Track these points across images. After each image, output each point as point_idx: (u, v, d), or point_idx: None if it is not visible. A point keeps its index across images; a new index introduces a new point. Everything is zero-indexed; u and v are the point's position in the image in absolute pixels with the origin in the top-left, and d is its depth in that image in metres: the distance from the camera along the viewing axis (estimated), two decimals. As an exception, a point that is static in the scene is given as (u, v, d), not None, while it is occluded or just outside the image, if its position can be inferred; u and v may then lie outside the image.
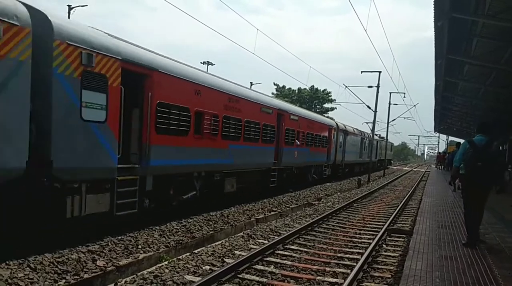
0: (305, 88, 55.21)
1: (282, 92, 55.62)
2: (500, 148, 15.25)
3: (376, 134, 39.22)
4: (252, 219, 11.33)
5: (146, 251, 7.38)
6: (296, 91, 56.47)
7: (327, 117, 34.67)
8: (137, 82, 8.60)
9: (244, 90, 14.30)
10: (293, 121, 17.89)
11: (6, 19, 5.71)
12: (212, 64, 42.32)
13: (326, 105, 58.23)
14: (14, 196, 6.12)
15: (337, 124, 26.34)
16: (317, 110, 53.15)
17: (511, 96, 17.89)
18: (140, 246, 7.57)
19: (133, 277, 6.12)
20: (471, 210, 7.10)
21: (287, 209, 13.71)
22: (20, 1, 6.19)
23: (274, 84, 57.05)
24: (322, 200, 16.61)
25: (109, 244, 7.45)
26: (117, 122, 7.90)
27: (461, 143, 8.02)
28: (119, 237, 7.86)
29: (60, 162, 6.67)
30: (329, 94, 57.54)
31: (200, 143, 10.74)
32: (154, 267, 6.70)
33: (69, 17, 12.60)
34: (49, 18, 6.58)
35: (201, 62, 41.93)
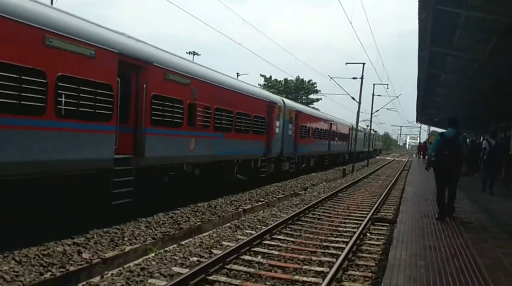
0: (291, 79, 55.30)
1: (269, 83, 55.53)
2: (483, 138, 15.61)
3: (373, 130, 48.88)
4: (239, 210, 11.37)
5: (133, 243, 7.34)
6: (283, 82, 56.45)
7: (313, 108, 35.99)
8: (296, 117, 20.66)
9: (337, 118, 31.49)
10: (336, 127, 30.00)
11: (279, 105, 17.93)
12: (198, 55, 41.92)
13: (311, 96, 58.44)
14: (274, 161, 18.11)
15: (352, 124, 36.23)
16: (303, 101, 53.28)
17: (492, 88, 18.23)
18: (126, 238, 7.52)
19: (120, 270, 6.11)
20: (445, 190, 8.48)
21: (274, 199, 13.80)
22: (281, 98, 19.62)
23: (261, 75, 56.90)
24: (308, 190, 16.76)
25: (95, 236, 7.39)
26: (293, 134, 20.16)
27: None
28: (105, 229, 7.79)
29: (284, 151, 18.52)
30: (314, 85, 57.71)
31: (314, 141, 24.39)
32: (140, 259, 6.69)
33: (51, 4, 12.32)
34: (284, 100, 19.09)
35: (187, 52, 41.47)
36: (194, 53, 41.53)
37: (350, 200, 14.20)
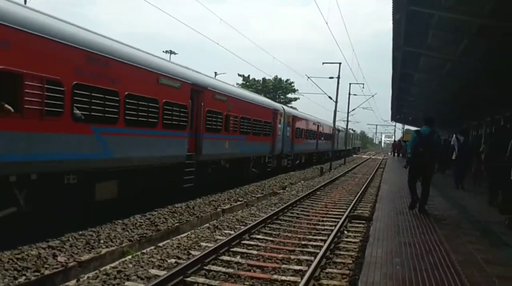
0: (269, 79, 55.50)
1: (247, 82, 55.57)
2: (455, 136, 16.11)
3: (350, 129, 52.52)
4: (218, 210, 11.31)
5: (109, 246, 7.22)
6: (261, 82, 56.59)
7: (291, 107, 36.55)
8: (293, 121, 24.63)
9: (323, 120, 35.91)
10: (322, 128, 34.15)
11: (281, 111, 22.01)
12: (175, 53, 41.54)
13: (289, 95, 58.81)
14: (276, 158, 21.97)
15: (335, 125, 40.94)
16: (281, 100, 53.57)
17: (464, 87, 18.71)
18: (102, 241, 7.40)
19: (96, 273, 6.02)
20: (416, 182, 9.09)
21: (253, 198, 13.80)
22: (281, 106, 23.91)
23: (239, 75, 56.90)
24: (286, 189, 16.86)
25: (70, 239, 7.26)
26: (290, 136, 24.05)
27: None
28: (80, 232, 7.67)
29: (284, 150, 22.60)
30: (292, 84, 58.10)
31: (305, 141, 28.71)
32: (117, 262, 6.59)
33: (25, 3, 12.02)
34: (284, 108, 23.63)
35: (163, 51, 41.05)
36: (171, 52, 41.17)
37: (328, 198, 14.36)
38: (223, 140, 14.38)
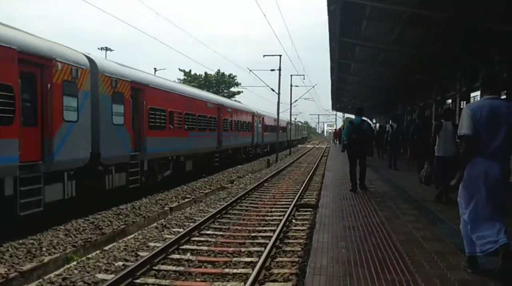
0: (211, 73, 55.05)
1: (189, 77, 54.73)
2: (390, 122, 17.03)
3: (300, 122, 53.85)
4: (165, 208, 11.12)
5: (52, 253, 6.90)
6: (203, 76, 55.98)
7: (235, 101, 36.86)
8: (263, 119, 34.07)
9: (280, 116, 37.02)
10: (279, 123, 36.05)
11: (256, 113, 31.98)
12: (111, 50, 40.04)
13: (232, 89, 58.75)
14: (254, 147, 31.63)
15: (288, 120, 45.96)
16: (224, 94, 53.39)
17: (397, 75, 19.69)
18: (44, 249, 7.07)
19: (40, 282, 5.77)
20: (355, 167, 10.25)
21: (201, 194, 13.70)
22: (256, 109, 32.79)
23: (180, 70, 55.89)
24: (234, 183, 16.90)
25: (10, 249, 6.88)
26: (262, 131, 33.44)
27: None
28: (20, 241, 7.28)
29: (258, 141, 32.16)
30: (235, 78, 58.07)
31: (270, 134, 37.40)
32: (62, 269, 6.33)
33: None
34: (257, 111, 32.76)
35: (98, 48, 39.44)
36: (107, 49, 39.67)
37: (276, 188, 14.58)
38: (230, 137, 23.24)
